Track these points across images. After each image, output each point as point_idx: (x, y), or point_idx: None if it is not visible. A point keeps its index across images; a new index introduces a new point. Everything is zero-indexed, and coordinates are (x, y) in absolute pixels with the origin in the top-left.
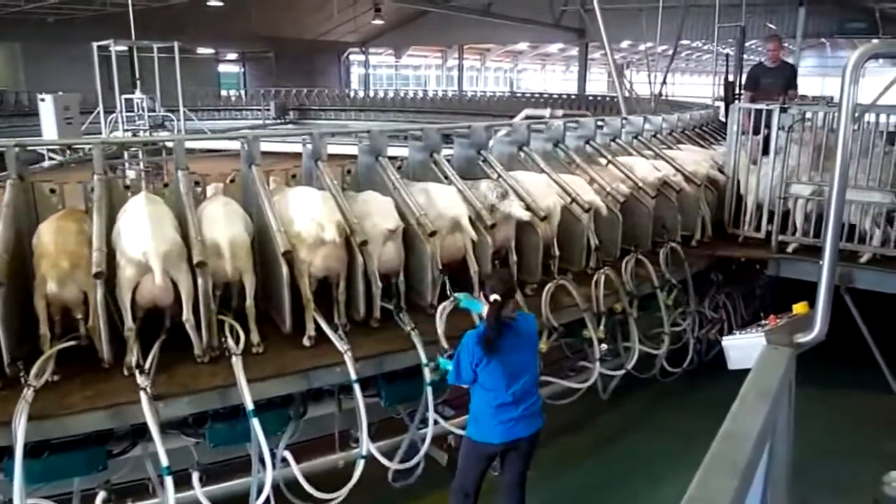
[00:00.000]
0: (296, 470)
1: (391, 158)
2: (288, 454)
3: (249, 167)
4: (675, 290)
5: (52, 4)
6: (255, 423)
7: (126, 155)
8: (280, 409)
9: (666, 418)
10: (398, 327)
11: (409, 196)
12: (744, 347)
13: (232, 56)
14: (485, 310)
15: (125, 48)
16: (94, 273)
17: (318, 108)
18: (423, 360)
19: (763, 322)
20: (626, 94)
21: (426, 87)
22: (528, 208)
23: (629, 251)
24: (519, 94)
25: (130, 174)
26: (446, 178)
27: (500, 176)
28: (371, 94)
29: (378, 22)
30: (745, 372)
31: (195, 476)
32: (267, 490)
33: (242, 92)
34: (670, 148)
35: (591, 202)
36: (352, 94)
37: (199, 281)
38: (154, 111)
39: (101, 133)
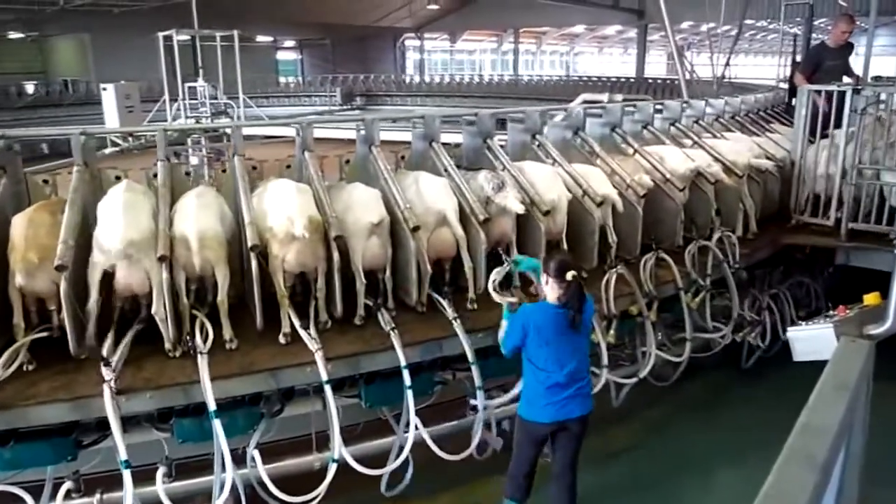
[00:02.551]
0: (261, 470)
1: (446, 145)
2: (256, 453)
3: (303, 153)
4: (703, 291)
5: None
6: (217, 423)
7: (189, 142)
8: (250, 407)
9: (716, 411)
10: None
11: (397, 188)
12: (810, 339)
13: (289, 43)
14: (548, 290)
15: (188, 37)
16: (55, 266)
17: (383, 93)
18: (402, 361)
19: (831, 313)
20: (688, 76)
21: (481, 71)
22: (531, 202)
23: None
24: (575, 78)
25: (193, 160)
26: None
27: (504, 166)
28: (427, 79)
29: (433, 7)
30: (799, 365)
31: (161, 471)
32: (227, 490)
33: (300, 79)
34: (715, 136)
35: (606, 195)
36: (408, 79)
37: (164, 274)
38: (216, 99)
39: (166, 120)
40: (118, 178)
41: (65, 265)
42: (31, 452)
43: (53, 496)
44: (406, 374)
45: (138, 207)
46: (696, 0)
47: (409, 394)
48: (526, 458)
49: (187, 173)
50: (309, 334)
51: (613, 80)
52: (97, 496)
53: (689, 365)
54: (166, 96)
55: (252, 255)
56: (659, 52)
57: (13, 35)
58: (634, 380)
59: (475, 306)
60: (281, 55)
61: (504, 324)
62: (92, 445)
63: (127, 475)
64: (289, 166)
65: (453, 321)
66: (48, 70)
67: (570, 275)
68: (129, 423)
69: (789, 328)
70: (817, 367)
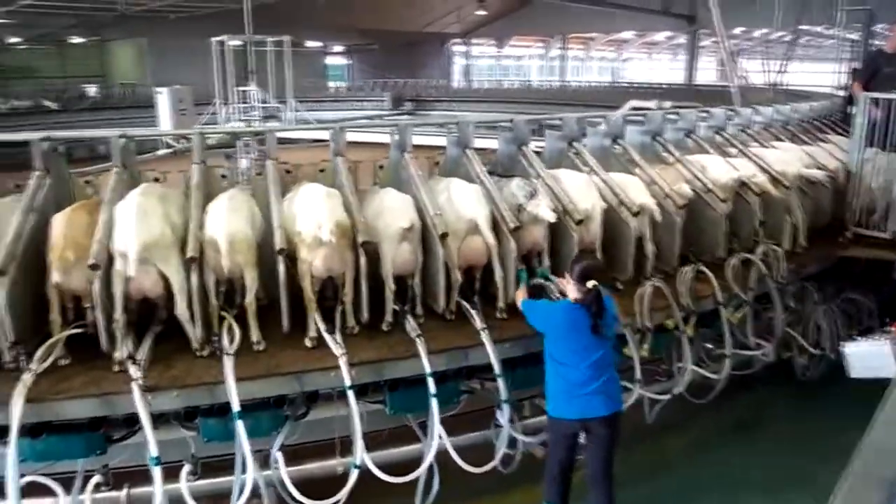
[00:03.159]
0: (283, 472)
1: (485, 150)
2: (279, 455)
3: (335, 157)
4: (744, 306)
5: (176, 3)
6: (240, 424)
7: (239, 144)
8: (275, 409)
9: (765, 427)
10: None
11: (427, 194)
12: (867, 356)
13: (338, 49)
14: (569, 289)
15: (241, 43)
16: (89, 265)
17: (432, 98)
18: (427, 369)
19: (889, 329)
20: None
21: (528, 77)
22: (564, 210)
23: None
24: (623, 85)
25: (243, 163)
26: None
27: (538, 174)
28: (474, 85)
29: (481, 13)
30: (850, 383)
31: (186, 469)
32: (247, 490)
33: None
34: (763, 145)
35: (643, 205)
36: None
37: (192, 276)
38: (266, 102)
39: (219, 123)
40: (157, 180)
41: (98, 264)
42: (62, 445)
43: (83, 489)
44: (431, 382)
45: (151, 211)
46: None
47: (434, 402)
48: (557, 459)
49: (223, 176)
50: (334, 339)
51: (662, 86)
52: (125, 490)
53: (734, 381)
54: (218, 100)
55: (280, 258)
56: (709, 58)
57: (75, 40)
58: (668, 396)
59: (504, 316)
60: (330, 60)
61: (522, 288)
62: (121, 441)
63: (157, 472)
64: (322, 170)
65: (481, 331)
66: (107, 74)
67: (590, 284)
68: (157, 420)
69: (845, 344)
70: (869, 384)
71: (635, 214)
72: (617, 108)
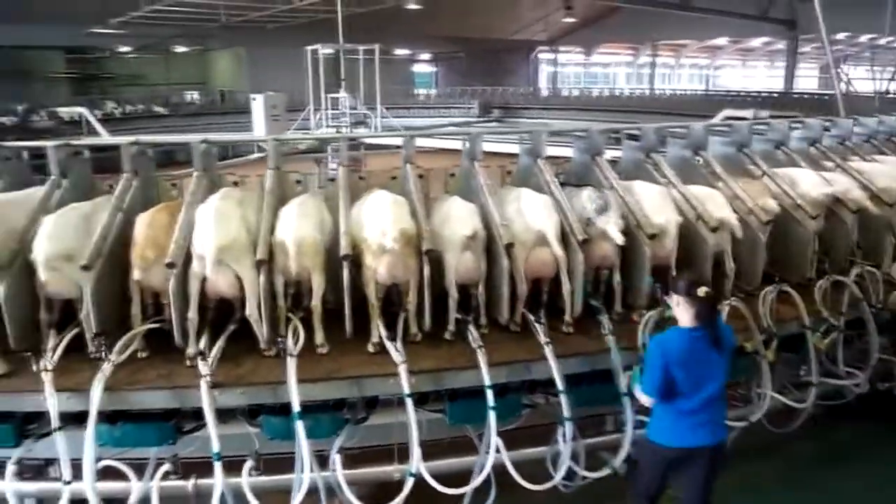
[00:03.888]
0: (340, 475)
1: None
2: (337, 458)
3: (405, 165)
4: (834, 331)
5: (273, 14)
6: (300, 424)
7: (329, 150)
8: (335, 412)
9: (865, 452)
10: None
11: (494, 203)
12: None
13: (425, 56)
14: (679, 311)
15: (332, 51)
16: (166, 263)
17: (521, 106)
18: (487, 381)
19: None
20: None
21: (615, 85)
22: (637, 224)
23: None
24: (717, 93)
25: (332, 167)
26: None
27: (610, 185)
28: (563, 93)
29: (569, 20)
30: None
31: (248, 464)
32: (304, 489)
33: (434, 90)
34: (864, 159)
35: (722, 220)
36: (543, 92)
37: (261, 278)
38: (356, 109)
39: (311, 128)
40: (235, 184)
41: (174, 263)
42: (136, 433)
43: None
44: (489, 394)
45: (229, 215)
46: (855, 9)
47: (492, 414)
48: (648, 482)
49: (298, 181)
50: (395, 346)
51: (759, 95)
52: (192, 480)
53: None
54: (311, 106)
55: (344, 264)
56: (810, 64)
57: (180, 49)
58: (745, 423)
59: (571, 330)
60: (417, 67)
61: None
62: (191, 433)
63: (218, 466)
64: (394, 178)
65: (545, 345)
66: (208, 81)
67: (702, 291)
68: (224, 415)
69: None
70: None
71: (713, 230)
72: (710, 118)
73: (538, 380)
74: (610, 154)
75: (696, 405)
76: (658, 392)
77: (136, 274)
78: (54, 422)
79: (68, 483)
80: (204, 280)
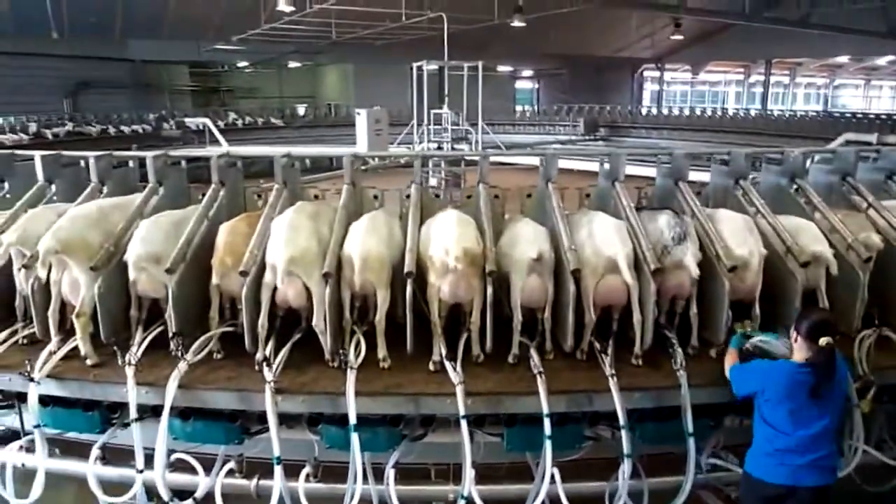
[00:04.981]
0: (392, 489)
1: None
2: (391, 472)
3: (478, 185)
4: None
5: (381, 32)
6: (355, 437)
7: (430, 164)
8: (392, 427)
9: None
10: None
11: (564, 226)
12: None
13: (527, 73)
14: (797, 346)
15: (436, 67)
16: (239, 271)
17: (629, 125)
18: (545, 409)
19: None
20: None
21: (724, 104)
22: (716, 255)
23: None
24: (837, 115)
25: (433, 182)
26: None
27: (692, 212)
28: (670, 112)
29: (677, 37)
30: None
31: (306, 470)
32: (355, 501)
33: (536, 107)
34: None
35: (815, 254)
36: (648, 111)
37: (327, 290)
38: (457, 125)
39: (413, 143)
40: (316, 197)
41: (247, 272)
42: (205, 430)
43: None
44: (547, 423)
45: (300, 228)
46: None
47: (548, 443)
48: None
49: (375, 196)
50: (453, 366)
51: (885, 117)
52: (255, 480)
53: None
54: (414, 121)
55: (408, 281)
56: None
57: (292, 64)
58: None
59: (640, 363)
60: (518, 83)
61: (732, 352)
62: (257, 434)
63: (278, 470)
64: (469, 196)
65: (609, 377)
66: (317, 95)
67: (823, 341)
68: (289, 420)
69: None
70: None
71: (804, 265)
72: (829, 141)
73: (602, 412)
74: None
75: (797, 443)
76: (741, 398)
77: (214, 279)
78: (133, 413)
79: (141, 472)
80: (275, 289)
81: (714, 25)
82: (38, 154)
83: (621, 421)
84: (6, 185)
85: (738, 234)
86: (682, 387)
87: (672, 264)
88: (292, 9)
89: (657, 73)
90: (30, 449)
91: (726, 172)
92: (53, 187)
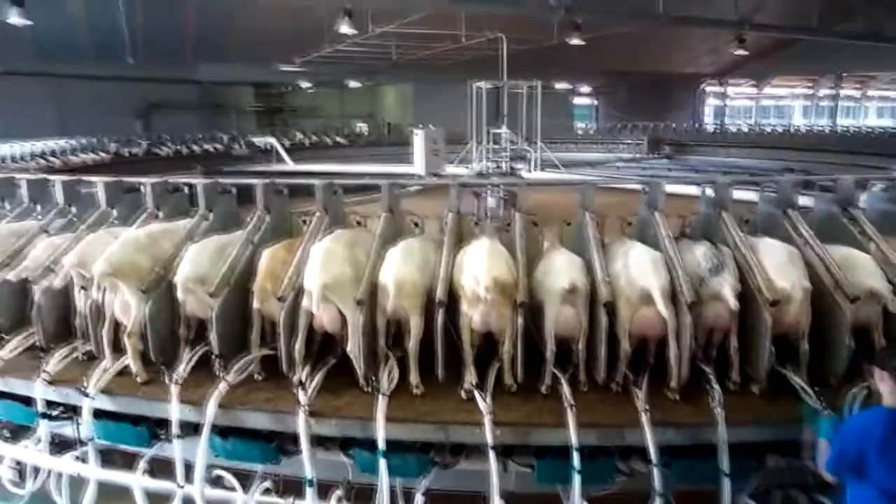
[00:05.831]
0: None
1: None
2: (421, 499)
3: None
4: None
5: (441, 53)
6: (383, 462)
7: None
8: (422, 454)
9: None
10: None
11: (599, 257)
12: None
13: (585, 89)
14: (883, 388)
15: (494, 86)
16: (277, 297)
17: (693, 142)
18: (574, 442)
19: None
20: None
21: (791, 119)
22: (757, 288)
23: None
24: None
25: (490, 201)
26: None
27: (736, 242)
28: (734, 128)
29: (740, 52)
30: None
31: (337, 493)
32: None
33: (596, 124)
34: None
35: (868, 289)
36: (708, 127)
37: (361, 317)
38: (515, 144)
39: (472, 161)
40: (358, 223)
41: (284, 297)
42: (243, 449)
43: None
44: (576, 457)
45: (336, 255)
46: None
47: (577, 478)
48: None
49: (415, 224)
50: (482, 395)
51: None
52: (290, 499)
53: None
54: (473, 141)
55: (440, 309)
56: None
57: (352, 84)
58: None
59: (676, 397)
60: (576, 100)
61: (824, 444)
62: (292, 455)
63: (310, 492)
64: (508, 224)
65: (642, 412)
66: (376, 113)
67: None
68: (323, 441)
69: None
70: None
71: (853, 301)
72: None
73: (634, 446)
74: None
75: None
76: (832, 471)
77: (255, 303)
78: (175, 430)
79: (181, 487)
80: (311, 315)
81: (779, 39)
82: (100, 180)
83: (652, 457)
84: (73, 209)
85: (781, 266)
86: (719, 424)
87: (709, 296)
88: (354, 31)
89: (719, 89)
90: (84, 459)
91: (774, 200)
92: (115, 211)
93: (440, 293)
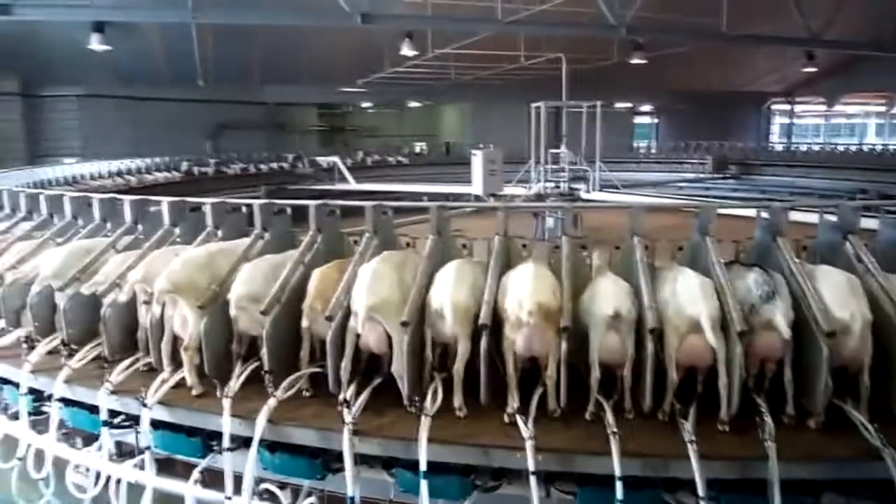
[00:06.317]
0: None
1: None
2: None
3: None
4: None
5: (500, 73)
6: (424, 484)
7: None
8: (464, 477)
9: None
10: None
11: (646, 283)
12: None
13: (646, 108)
14: None
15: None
16: (325, 316)
17: (762, 162)
18: (617, 471)
19: None
20: None
21: (863, 138)
22: (813, 318)
23: None
24: None
25: (549, 222)
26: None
27: (791, 269)
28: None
29: (809, 69)
30: None
31: None
32: None
33: (655, 143)
34: None
35: None
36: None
37: (405, 338)
38: (575, 164)
39: (530, 183)
40: (408, 245)
41: (332, 317)
42: (290, 464)
43: None
44: (619, 487)
45: (383, 276)
46: None
47: None
48: None
49: (463, 246)
50: (524, 420)
51: None
52: None
53: None
54: (531, 160)
55: (483, 332)
56: None
57: (412, 104)
58: None
59: (725, 429)
60: (637, 118)
61: None
62: (337, 472)
63: None
64: (557, 247)
65: (688, 443)
66: (435, 133)
67: None
68: (368, 459)
69: None
70: None
71: None
72: None
73: (681, 479)
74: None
75: None
76: None
77: (304, 322)
78: (225, 443)
79: (229, 498)
80: (358, 334)
81: (850, 55)
82: (164, 200)
83: (699, 491)
84: (139, 227)
85: (839, 296)
86: (770, 458)
87: (760, 324)
88: (415, 53)
89: (787, 107)
90: (142, 467)
91: (833, 226)
92: (178, 230)
93: (483, 316)
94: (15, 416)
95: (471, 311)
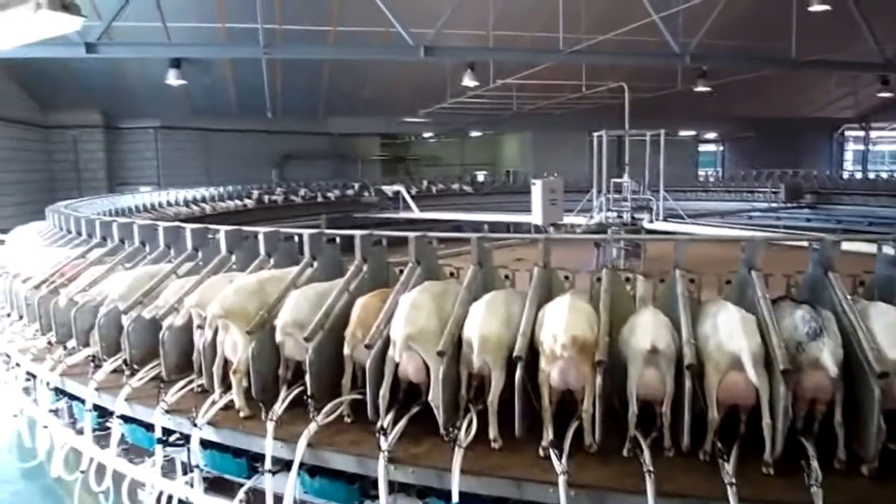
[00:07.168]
0: None
1: None
2: None
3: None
4: None
5: (562, 102)
6: None
7: (609, 233)
8: None
9: None
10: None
11: (686, 317)
12: None
13: (710, 135)
14: None
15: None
16: (364, 344)
17: (838, 190)
18: None
19: None
20: None
21: None
22: (864, 358)
23: None
24: None
25: (612, 252)
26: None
27: (843, 306)
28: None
29: (885, 94)
30: None
31: None
32: None
33: (720, 171)
34: None
35: None
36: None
37: (442, 368)
38: (638, 193)
39: (592, 211)
40: (452, 275)
41: (371, 345)
42: (329, 488)
43: None
44: None
45: (422, 306)
46: None
47: None
48: None
49: (506, 277)
50: (557, 454)
51: None
52: None
53: None
54: (594, 190)
55: (518, 364)
56: None
57: (474, 133)
58: None
59: (770, 472)
60: (701, 146)
61: None
62: (373, 498)
63: None
64: (628, 280)
65: (728, 485)
66: (496, 162)
67: None
68: (405, 488)
69: None
70: None
71: None
72: None
73: None
74: None
75: None
76: None
77: (346, 349)
78: (268, 464)
79: None
80: (396, 363)
81: None
82: (222, 229)
83: None
84: (199, 253)
85: (891, 334)
86: None
87: (807, 363)
88: (476, 83)
89: (861, 133)
90: (192, 484)
91: (891, 261)
92: (234, 257)
93: (518, 349)
94: (81, 431)
95: (503, 342)
